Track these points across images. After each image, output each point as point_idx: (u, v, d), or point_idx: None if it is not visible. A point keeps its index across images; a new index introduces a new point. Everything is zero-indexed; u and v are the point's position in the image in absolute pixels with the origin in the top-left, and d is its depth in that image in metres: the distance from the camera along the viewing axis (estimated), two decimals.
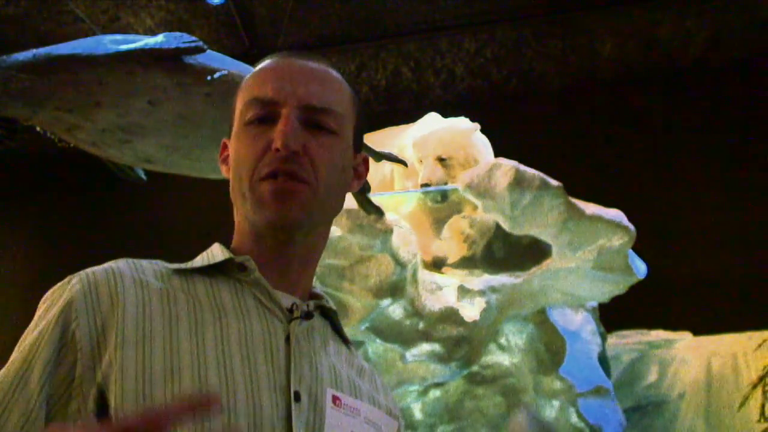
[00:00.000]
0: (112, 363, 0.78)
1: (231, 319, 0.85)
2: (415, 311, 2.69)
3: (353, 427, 0.87)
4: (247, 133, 0.91)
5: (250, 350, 0.83)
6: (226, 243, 0.95)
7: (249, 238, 0.92)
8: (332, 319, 0.97)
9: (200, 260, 0.92)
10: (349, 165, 0.97)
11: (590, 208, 2.66)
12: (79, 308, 0.81)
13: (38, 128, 2.10)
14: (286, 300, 0.89)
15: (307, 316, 0.90)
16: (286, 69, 0.94)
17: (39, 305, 0.85)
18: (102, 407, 0.77)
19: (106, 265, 0.87)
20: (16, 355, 0.80)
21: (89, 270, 0.85)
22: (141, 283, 0.85)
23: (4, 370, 0.80)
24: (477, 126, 3.05)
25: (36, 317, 0.83)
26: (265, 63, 0.97)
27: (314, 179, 0.89)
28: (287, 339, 0.86)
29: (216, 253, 0.92)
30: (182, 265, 0.90)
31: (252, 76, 0.96)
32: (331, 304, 0.97)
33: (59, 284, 0.85)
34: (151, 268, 0.88)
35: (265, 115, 0.90)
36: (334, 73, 0.97)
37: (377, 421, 0.92)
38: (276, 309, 0.88)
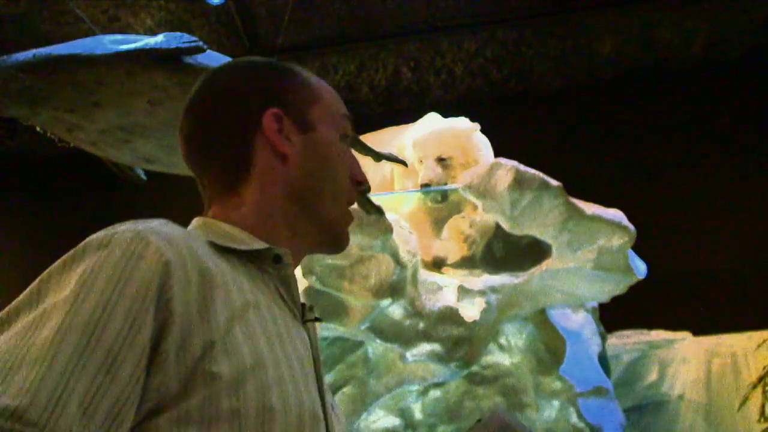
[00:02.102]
0: (213, 342, 0.72)
1: (275, 310, 0.83)
2: (415, 311, 2.69)
3: (339, 424, 0.91)
4: (344, 149, 0.97)
5: (293, 341, 0.83)
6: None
7: (279, 229, 0.90)
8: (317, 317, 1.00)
9: (232, 243, 0.85)
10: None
11: (590, 208, 2.66)
12: (177, 275, 0.72)
13: (38, 128, 2.10)
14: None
15: (316, 318, 0.93)
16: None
17: (84, 250, 0.73)
18: (183, 391, 0.70)
19: (163, 226, 0.78)
20: (87, 315, 0.67)
21: (157, 228, 0.77)
22: (208, 257, 0.79)
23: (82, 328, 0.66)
24: (477, 126, 3.04)
25: (94, 264, 0.71)
26: (325, 83, 1.01)
27: None
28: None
29: (245, 239, 0.86)
30: (222, 243, 0.84)
31: (323, 85, 0.99)
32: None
33: (120, 235, 0.74)
34: (199, 240, 0.82)
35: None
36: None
37: (341, 418, 0.95)
38: (294, 308, 0.88)
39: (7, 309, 0.71)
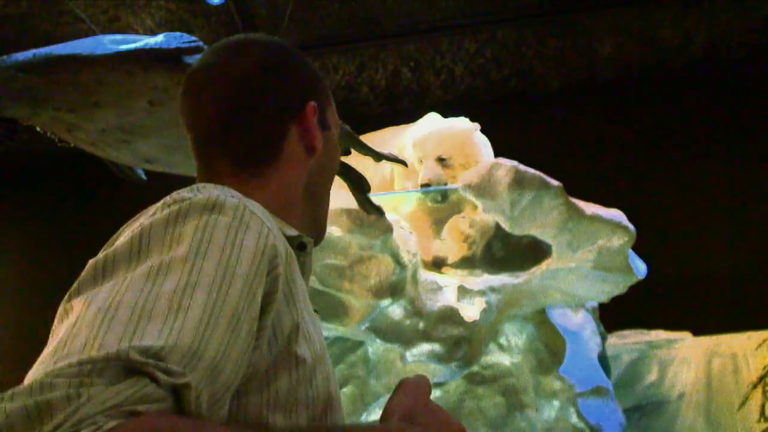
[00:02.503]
0: (298, 325, 0.74)
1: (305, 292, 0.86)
2: (415, 311, 2.69)
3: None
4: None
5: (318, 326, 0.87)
6: None
7: (292, 218, 0.92)
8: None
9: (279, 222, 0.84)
10: None
11: (590, 208, 2.66)
12: (281, 251, 0.73)
13: (38, 128, 2.10)
14: None
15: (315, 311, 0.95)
16: None
17: (188, 209, 0.70)
18: (270, 371, 0.71)
19: (248, 200, 0.77)
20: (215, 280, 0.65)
21: (247, 200, 0.76)
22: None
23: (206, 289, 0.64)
24: (477, 126, 3.04)
25: (207, 224, 0.69)
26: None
27: None
28: None
29: (275, 222, 0.83)
30: (287, 231, 0.84)
31: (323, 83, 1.00)
32: None
33: (223, 201, 0.72)
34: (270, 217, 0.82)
35: None
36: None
37: None
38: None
39: (101, 258, 0.68)
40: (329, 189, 1.00)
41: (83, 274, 0.68)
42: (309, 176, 0.94)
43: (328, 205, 1.00)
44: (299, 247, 0.85)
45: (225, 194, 0.74)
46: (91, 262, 0.69)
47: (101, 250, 0.72)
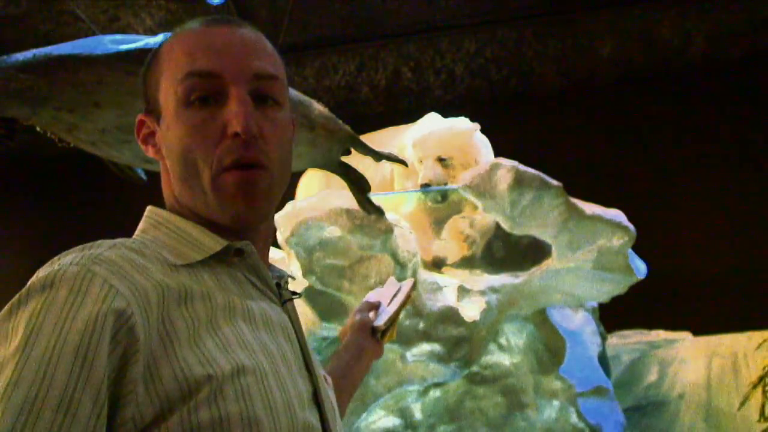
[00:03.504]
0: (185, 360, 0.70)
1: (250, 304, 0.81)
2: (415, 311, 2.69)
3: (332, 397, 0.92)
4: (192, 116, 0.83)
5: (274, 332, 0.82)
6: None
7: (201, 223, 0.85)
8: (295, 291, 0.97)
9: (189, 249, 0.82)
10: (292, 135, 0.93)
11: (590, 208, 2.66)
12: (131, 302, 0.70)
13: (38, 128, 2.10)
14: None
15: (293, 294, 0.92)
16: (220, 37, 0.86)
17: (28, 293, 0.70)
18: (161, 412, 0.68)
19: (110, 251, 0.75)
20: (37, 365, 0.65)
21: (102, 255, 0.73)
22: (166, 274, 0.77)
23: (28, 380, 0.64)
24: (477, 126, 3.04)
25: (40, 308, 0.68)
26: (188, 33, 0.88)
27: (269, 162, 0.85)
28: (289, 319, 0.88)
29: (201, 238, 0.83)
30: (184, 261, 0.81)
31: (177, 49, 0.86)
32: (289, 274, 0.96)
33: (64, 271, 0.71)
34: (153, 258, 0.79)
35: (209, 92, 0.83)
36: (263, 36, 0.91)
37: (330, 382, 0.97)
38: (268, 291, 0.87)
39: None
40: (186, 167, 0.84)
41: None
42: (170, 176, 0.88)
43: (198, 186, 0.84)
44: (236, 253, 0.84)
45: (71, 262, 0.72)
46: None
47: None
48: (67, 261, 0.73)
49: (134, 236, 0.87)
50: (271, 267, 0.93)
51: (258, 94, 0.85)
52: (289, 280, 0.96)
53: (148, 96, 0.89)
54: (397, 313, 1.48)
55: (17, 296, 0.71)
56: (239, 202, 0.83)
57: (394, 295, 1.51)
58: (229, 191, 0.82)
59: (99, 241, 0.78)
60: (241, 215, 0.84)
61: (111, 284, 0.70)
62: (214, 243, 0.83)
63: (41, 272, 0.73)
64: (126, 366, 0.68)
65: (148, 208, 0.90)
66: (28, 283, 0.72)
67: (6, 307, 0.71)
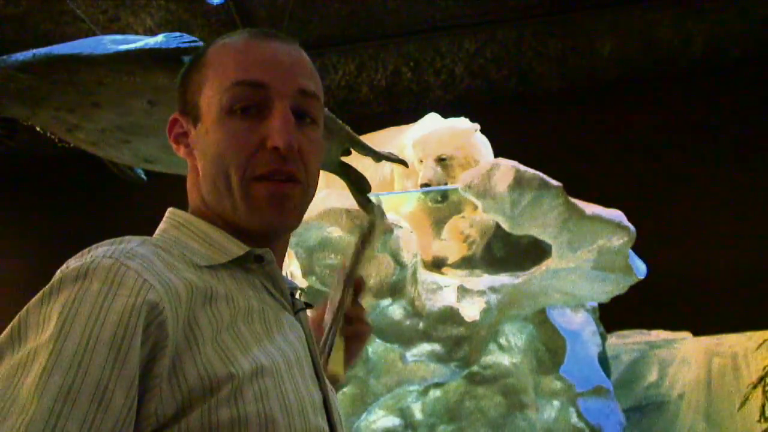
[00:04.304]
0: (208, 358, 0.71)
1: (267, 310, 0.83)
2: (415, 311, 2.69)
3: (338, 405, 0.92)
4: (233, 124, 0.85)
5: (288, 339, 0.83)
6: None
7: (226, 227, 0.87)
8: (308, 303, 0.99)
9: (212, 251, 0.84)
10: (323, 153, 0.96)
11: (590, 208, 2.66)
12: (163, 297, 0.71)
13: (38, 128, 2.10)
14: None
15: (307, 305, 0.93)
16: (269, 51, 0.88)
17: (62, 282, 0.71)
18: (182, 409, 0.69)
19: (140, 247, 0.76)
20: (75, 353, 0.65)
21: (134, 250, 0.74)
22: (192, 273, 0.78)
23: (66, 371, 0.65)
24: (477, 126, 3.05)
25: (74, 298, 0.69)
26: (237, 43, 0.89)
27: (305, 177, 0.87)
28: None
29: (223, 243, 0.85)
30: (208, 262, 0.82)
31: (226, 57, 0.88)
32: (299, 286, 0.99)
33: (99, 263, 0.71)
34: (178, 257, 0.80)
35: (253, 103, 0.85)
36: (306, 54, 0.93)
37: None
38: (282, 298, 0.88)
39: None
40: (220, 175, 0.86)
41: None
42: (200, 179, 0.89)
43: (228, 195, 0.85)
44: (256, 260, 0.85)
45: (104, 254, 0.73)
46: None
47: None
48: (99, 253, 0.73)
49: (155, 236, 0.88)
50: (283, 277, 0.95)
51: (298, 111, 0.87)
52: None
53: (186, 98, 0.92)
54: (331, 334, 1.05)
55: (49, 286, 0.72)
56: (270, 212, 0.85)
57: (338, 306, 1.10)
58: (261, 201, 0.84)
59: (127, 237, 0.79)
60: (271, 224, 0.86)
61: (144, 278, 0.71)
62: (236, 248, 0.85)
63: (72, 263, 0.73)
64: (154, 360, 0.69)
65: (169, 209, 0.91)
66: (58, 273, 0.73)
67: (37, 296, 0.71)
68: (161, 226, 0.90)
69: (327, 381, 0.89)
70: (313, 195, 0.92)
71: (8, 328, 0.70)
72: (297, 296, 0.94)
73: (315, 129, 0.90)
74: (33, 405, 0.62)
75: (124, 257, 0.73)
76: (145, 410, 0.68)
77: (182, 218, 0.89)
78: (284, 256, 0.96)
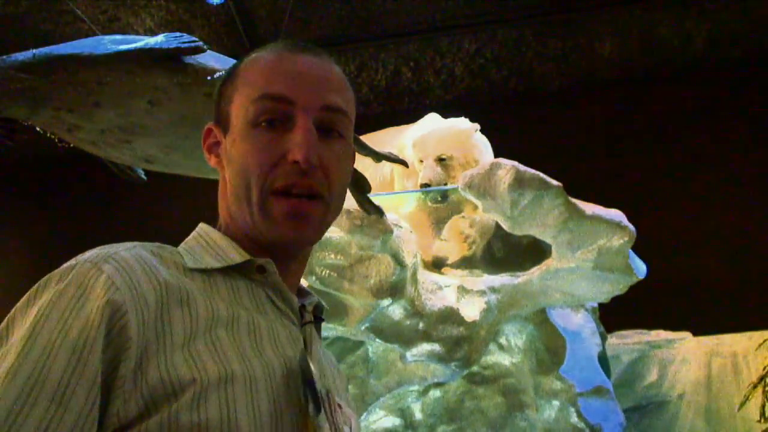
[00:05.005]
0: (173, 361, 0.72)
1: (259, 320, 0.82)
2: (415, 311, 2.69)
3: (344, 426, 0.89)
4: (257, 136, 0.85)
5: (281, 350, 0.82)
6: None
7: (247, 239, 0.88)
8: (319, 316, 0.96)
9: (212, 258, 0.85)
10: (352, 168, 0.96)
11: (590, 208, 2.66)
12: (128, 301, 0.72)
13: (38, 128, 2.10)
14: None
15: (316, 319, 0.92)
16: (297, 64, 0.88)
17: (45, 284, 0.74)
18: (144, 411, 0.70)
19: (127, 251, 0.78)
20: (38, 356, 0.68)
21: (117, 254, 0.76)
22: (174, 276, 0.79)
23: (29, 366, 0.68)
24: (477, 126, 3.04)
25: (50, 300, 0.72)
26: (268, 55, 0.90)
27: (328, 193, 0.87)
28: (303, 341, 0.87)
29: (227, 250, 0.86)
30: (200, 265, 0.84)
31: (255, 69, 0.89)
32: (323, 303, 0.97)
33: (79, 267, 0.74)
34: (168, 260, 0.82)
35: (277, 116, 0.86)
36: (338, 68, 0.93)
37: (351, 417, 0.93)
38: (289, 311, 0.87)
39: None
40: (242, 186, 0.87)
41: None
42: (228, 189, 0.90)
43: (248, 206, 0.86)
44: (258, 270, 0.85)
45: (86, 258, 0.76)
46: None
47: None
48: (84, 257, 0.77)
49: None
50: (302, 291, 0.95)
51: (324, 125, 0.87)
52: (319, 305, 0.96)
53: (220, 108, 0.92)
54: None
55: (35, 287, 0.75)
56: (287, 227, 0.85)
57: None
58: (278, 216, 0.85)
59: (124, 243, 0.81)
60: (287, 239, 0.86)
61: (113, 281, 0.73)
62: (236, 255, 0.86)
63: (63, 266, 0.77)
64: (118, 362, 0.71)
65: (200, 224, 0.94)
66: (49, 274, 0.76)
67: (24, 297, 0.75)
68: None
69: (326, 406, 0.85)
70: (339, 209, 0.92)
71: (3, 322, 0.74)
72: (310, 309, 0.92)
73: (341, 143, 0.89)
74: None
75: (103, 261, 0.75)
76: (109, 411, 0.70)
77: (202, 229, 0.92)
78: (303, 268, 0.95)
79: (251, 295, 0.84)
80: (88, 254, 0.77)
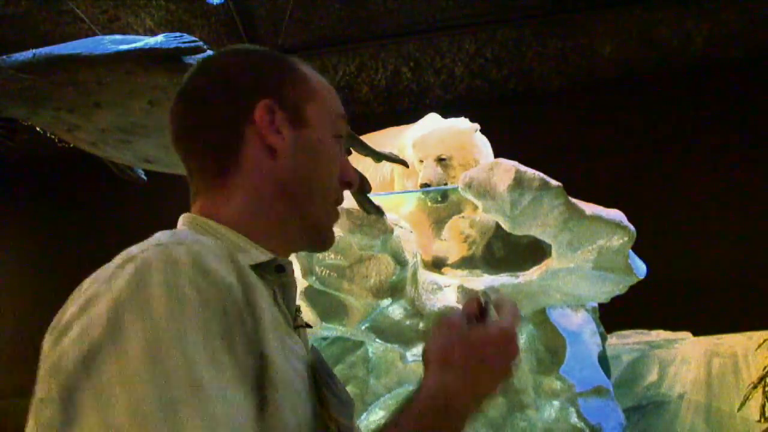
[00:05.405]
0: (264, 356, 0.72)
1: (281, 321, 0.81)
2: (415, 311, 2.69)
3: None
4: (338, 150, 0.94)
5: (296, 356, 0.81)
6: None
7: (267, 237, 0.86)
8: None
9: (240, 254, 0.81)
10: None
11: (590, 208, 2.66)
12: (238, 279, 0.72)
13: (38, 128, 2.10)
14: None
15: (306, 324, 0.92)
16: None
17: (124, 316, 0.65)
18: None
19: (207, 241, 0.75)
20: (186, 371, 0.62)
21: (202, 241, 0.73)
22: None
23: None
24: (477, 126, 3.04)
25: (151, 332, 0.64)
26: (320, 76, 0.97)
27: None
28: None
29: (249, 249, 0.83)
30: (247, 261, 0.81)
31: (324, 86, 0.96)
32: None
33: (185, 250, 0.70)
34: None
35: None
36: None
37: None
38: (287, 312, 0.86)
39: (59, 370, 0.64)
40: (323, 190, 0.90)
41: (43, 384, 0.65)
42: (280, 180, 0.87)
43: (327, 206, 0.91)
44: (277, 269, 0.84)
45: (177, 241, 0.72)
46: (46, 369, 0.65)
47: (50, 329, 0.69)
48: (171, 240, 0.72)
49: None
50: None
51: None
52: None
53: (283, 92, 0.90)
54: None
55: (108, 298, 0.67)
56: (330, 235, 0.94)
57: None
58: (330, 223, 0.93)
59: (178, 231, 0.82)
60: (327, 246, 0.95)
61: (232, 259, 0.73)
62: (260, 253, 0.84)
63: (119, 293, 0.67)
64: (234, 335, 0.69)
65: (184, 215, 0.89)
66: (137, 261, 0.69)
67: (100, 311, 0.66)
68: (180, 228, 0.87)
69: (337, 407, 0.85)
70: None
71: (77, 355, 0.64)
72: (298, 313, 0.92)
73: None
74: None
75: (198, 245, 0.72)
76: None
77: (205, 224, 0.86)
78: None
79: (265, 293, 0.83)
80: (169, 238, 0.73)
